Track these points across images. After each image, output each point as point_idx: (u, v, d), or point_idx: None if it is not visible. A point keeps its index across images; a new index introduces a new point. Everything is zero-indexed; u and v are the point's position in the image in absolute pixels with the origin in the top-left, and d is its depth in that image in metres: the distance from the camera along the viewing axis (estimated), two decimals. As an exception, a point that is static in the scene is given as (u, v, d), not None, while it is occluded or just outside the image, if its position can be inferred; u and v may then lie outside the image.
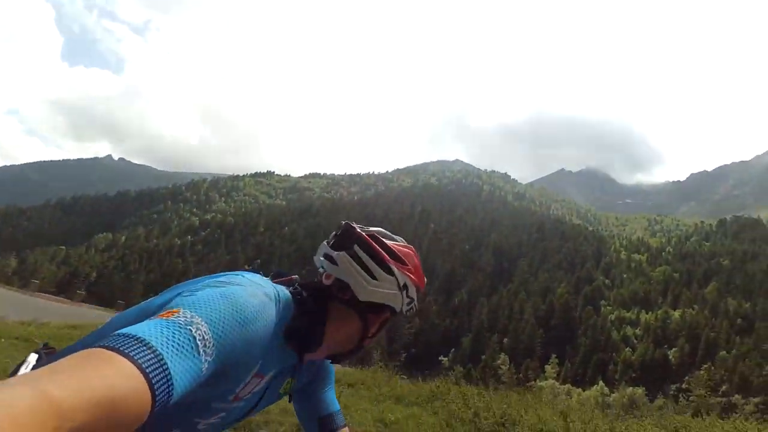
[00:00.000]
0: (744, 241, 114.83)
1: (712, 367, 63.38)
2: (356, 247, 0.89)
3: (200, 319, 0.64)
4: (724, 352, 68.68)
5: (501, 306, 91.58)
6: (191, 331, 0.62)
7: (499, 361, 68.93)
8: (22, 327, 8.42)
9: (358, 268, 0.87)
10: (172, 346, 0.58)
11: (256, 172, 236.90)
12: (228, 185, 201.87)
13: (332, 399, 1.08)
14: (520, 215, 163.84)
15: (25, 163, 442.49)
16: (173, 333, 0.59)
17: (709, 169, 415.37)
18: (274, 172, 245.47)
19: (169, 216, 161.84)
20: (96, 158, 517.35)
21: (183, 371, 0.58)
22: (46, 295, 22.76)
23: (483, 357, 73.46)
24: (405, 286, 0.89)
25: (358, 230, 0.93)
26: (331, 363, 1.00)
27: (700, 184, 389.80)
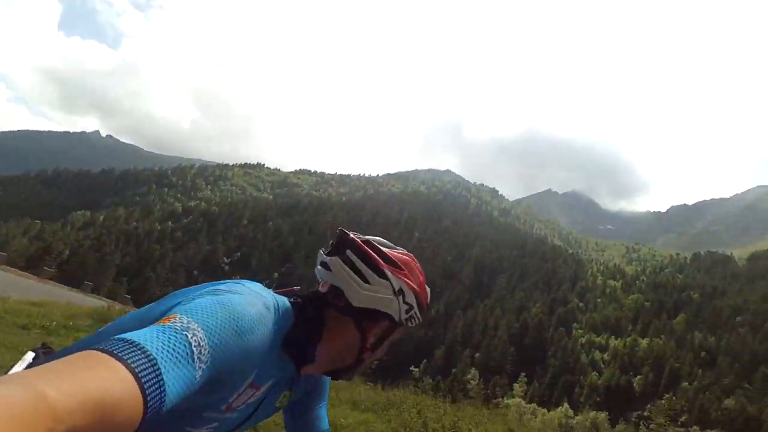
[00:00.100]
0: (715, 276, 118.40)
1: (674, 397, 64.88)
2: (349, 252, 0.88)
3: (197, 325, 0.64)
4: (687, 383, 70.71)
5: (476, 321, 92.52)
6: (187, 336, 0.62)
7: (469, 376, 69.57)
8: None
9: (350, 272, 0.86)
10: (167, 351, 0.58)
11: (245, 163, 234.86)
12: (216, 173, 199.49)
13: (323, 417, 1.07)
14: (504, 232, 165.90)
15: (7, 131, 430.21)
16: (168, 338, 0.60)
17: (690, 203, 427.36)
18: (264, 164, 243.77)
19: (152, 199, 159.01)
20: (83, 133, 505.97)
21: (176, 377, 0.58)
22: (13, 269, 22.30)
23: (453, 370, 74.06)
24: (401, 291, 0.87)
25: (352, 236, 0.93)
26: (330, 379, 0.97)
27: (680, 216, 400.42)
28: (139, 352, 0.55)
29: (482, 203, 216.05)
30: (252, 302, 0.75)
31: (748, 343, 79.20)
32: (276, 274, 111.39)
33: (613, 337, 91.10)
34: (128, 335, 0.57)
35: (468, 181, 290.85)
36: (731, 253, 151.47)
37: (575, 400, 71.37)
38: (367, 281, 0.86)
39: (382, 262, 0.88)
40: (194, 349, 0.61)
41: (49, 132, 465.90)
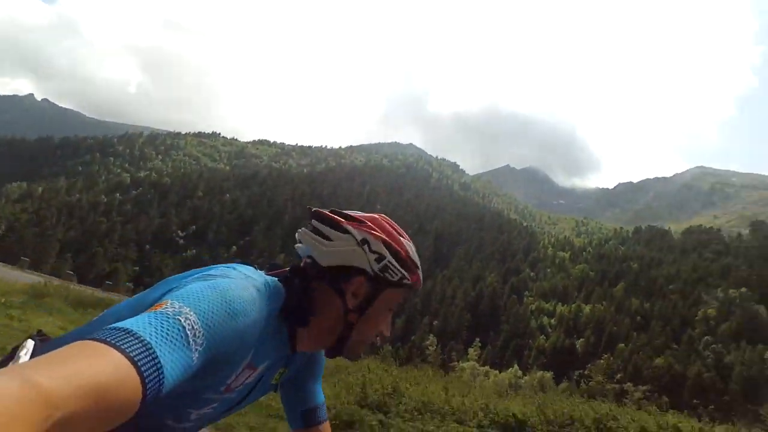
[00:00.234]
0: (653, 248, 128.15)
1: (611, 358, 71.24)
2: (313, 220, 0.90)
3: (189, 309, 0.64)
4: (623, 345, 77.29)
5: (435, 290, 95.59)
6: (180, 321, 0.62)
7: (427, 342, 72.68)
8: None
9: (314, 234, 0.88)
10: (162, 336, 0.58)
11: (199, 132, 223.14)
12: (167, 142, 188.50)
13: (318, 392, 1.09)
14: (464, 205, 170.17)
15: None
16: (161, 323, 0.60)
17: (635, 180, 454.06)
18: (219, 133, 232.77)
19: (96, 169, 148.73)
20: (15, 96, 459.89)
21: (173, 361, 0.58)
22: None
23: (413, 337, 76.69)
24: (365, 241, 0.86)
25: (317, 209, 0.93)
26: (326, 356, 0.97)
27: (625, 193, 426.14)
28: (133, 338, 0.56)
29: (444, 177, 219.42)
30: (243, 285, 0.75)
31: (678, 309, 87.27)
32: (234, 248, 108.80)
33: (560, 303, 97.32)
34: (120, 324, 0.58)
35: (430, 155, 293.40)
36: (669, 228, 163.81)
37: (525, 361, 76.44)
38: (328, 238, 0.87)
39: (343, 220, 0.89)
40: (188, 332, 0.62)
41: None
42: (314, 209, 0.92)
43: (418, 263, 0.92)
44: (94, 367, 0.50)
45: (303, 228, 0.91)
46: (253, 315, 0.74)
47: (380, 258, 0.87)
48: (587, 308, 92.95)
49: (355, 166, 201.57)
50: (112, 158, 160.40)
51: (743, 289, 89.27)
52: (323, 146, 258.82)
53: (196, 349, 0.62)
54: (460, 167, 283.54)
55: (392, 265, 0.87)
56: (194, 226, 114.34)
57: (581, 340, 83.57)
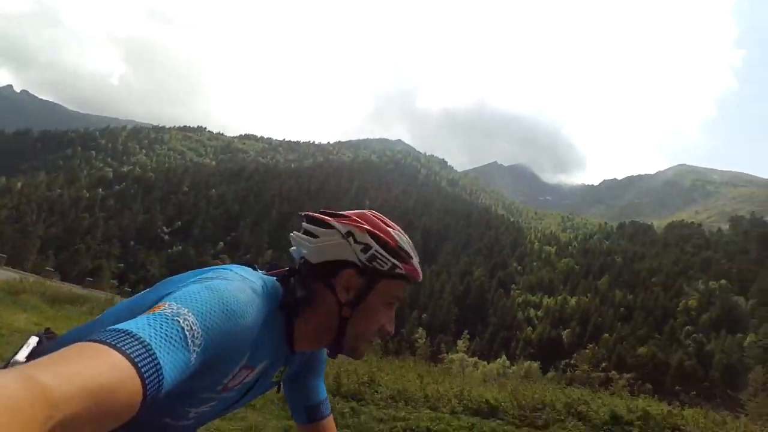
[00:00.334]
0: (637, 243, 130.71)
1: (596, 347, 72.76)
2: (303, 223, 0.91)
3: (187, 310, 0.65)
4: (607, 335, 78.88)
5: (423, 284, 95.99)
6: (179, 322, 0.63)
7: (416, 335, 73.21)
8: None
9: (303, 235, 0.89)
10: (161, 337, 0.59)
11: (184, 126, 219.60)
12: (151, 136, 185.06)
13: (321, 387, 1.10)
14: (452, 201, 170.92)
15: None
16: (160, 324, 0.61)
17: (619, 177, 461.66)
18: (205, 128, 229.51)
19: (78, 164, 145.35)
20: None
21: (172, 361, 0.59)
22: None
23: (402, 330, 77.11)
24: (350, 234, 0.86)
25: (307, 212, 0.94)
26: (328, 355, 0.96)
27: (610, 190, 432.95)
28: (133, 339, 0.56)
29: (432, 173, 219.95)
30: (240, 287, 0.76)
31: (660, 300, 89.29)
32: (221, 244, 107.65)
33: (546, 296, 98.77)
34: (120, 325, 0.59)
35: (418, 152, 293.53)
36: (652, 223, 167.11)
37: (512, 352, 77.52)
38: (315, 236, 0.88)
39: (328, 217, 0.89)
40: (187, 333, 0.62)
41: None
42: (305, 213, 0.93)
43: (412, 253, 0.91)
44: (96, 368, 0.50)
45: (295, 231, 0.92)
46: (251, 316, 0.75)
47: (366, 248, 0.86)
48: (573, 300, 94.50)
49: (343, 162, 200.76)
50: (94, 152, 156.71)
51: (723, 281, 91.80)
52: (311, 141, 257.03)
53: (195, 350, 0.63)
54: (449, 163, 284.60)
55: (380, 254, 0.87)
56: (179, 222, 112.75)
57: (567, 330, 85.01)
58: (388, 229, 0.90)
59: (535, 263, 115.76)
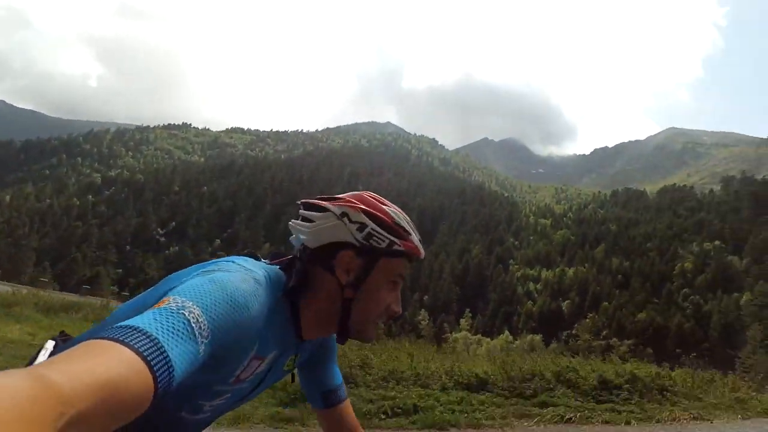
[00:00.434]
0: (630, 209, 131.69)
1: (596, 316, 73.83)
2: (300, 210, 0.92)
3: (192, 303, 0.65)
4: (606, 303, 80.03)
5: (422, 266, 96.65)
6: (184, 315, 0.63)
7: (419, 317, 74.06)
8: None
9: (300, 221, 0.90)
10: (168, 331, 0.59)
11: (169, 124, 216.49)
12: (136, 137, 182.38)
13: (335, 372, 1.10)
14: (445, 180, 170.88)
15: None
16: (167, 318, 0.61)
17: (610, 145, 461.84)
18: (190, 124, 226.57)
19: (64, 171, 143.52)
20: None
21: (181, 354, 0.59)
22: None
23: (405, 313, 77.88)
24: (344, 214, 0.86)
25: (304, 200, 0.94)
26: (337, 341, 0.95)
27: (601, 158, 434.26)
28: (141, 334, 0.57)
29: (423, 154, 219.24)
30: (243, 278, 0.76)
31: (656, 265, 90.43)
32: (218, 241, 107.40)
33: (544, 269, 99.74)
34: (126, 322, 0.59)
35: (408, 133, 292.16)
36: (644, 189, 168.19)
37: (515, 327, 78.69)
38: (310, 220, 0.88)
39: (323, 202, 0.90)
40: (193, 325, 0.63)
41: None
42: (302, 201, 0.93)
43: (410, 229, 0.90)
44: (106, 364, 0.51)
45: (293, 220, 0.92)
46: (255, 306, 0.75)
47: (362, 227, 0.86)
48: (570, 271, 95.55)
49: (333, 149, 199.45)
50: (80, 159, 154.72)
51: (717, 242, 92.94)
52: (299, 130, 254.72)
53: (202, 342, 0.63)
54: (439, 143, 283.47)
55: (376, 231, 0.86)
56: (173, 223, 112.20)
57: (567, 302, 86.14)
58: (383, 207, 0.90)
59: (531, 237, 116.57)
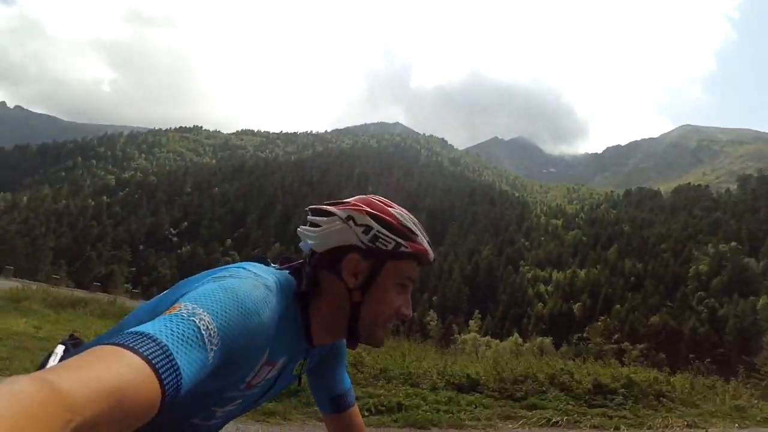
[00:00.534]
0: (644, 209, 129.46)
1: (608, 319, 72.32)
2: (307, 216, 0.92)
3: (202, 310, 0.66)
4: (619, 305, 78.72)
5: (432, 267, 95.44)
6: (195, 322, 0.63)
7: (428, 318, 73.77)
8: None
9: (307, 227, 0.90)
10: (177, 337, 0.60)
11: (181, 127, 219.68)
12: (149, 140, 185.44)
13: (344, 377, 1.10)
14: (455, 181, 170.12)
15: None
16: (177, 325, 0.61)
17: (623, 143, 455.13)
18: (202, 127, 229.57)
19: (80, 174, 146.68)
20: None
21: (190, 361, 0.59)
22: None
23: (414, 314, 77.57)
24: (349, 218, 0.86)
25: (312, 206, 0.94)
26: (347, 347, 0.95)
27: (614, 156, 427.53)
28: (150, 341, 0.57)
29: (432, 154, 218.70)
30: (254, 284, 0.77)
31: (670, 267, 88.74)
32: (229, 241, 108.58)
33: (555, 270, 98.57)
34: (136, 328, 0.60)
35: (417, 133, 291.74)
36: (658, 188, 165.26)
37: (524, 329, 77.88)
38: (318, 225, 0.88)
39: (329, 207, 0.90)
40: (203, 332, 0.63)
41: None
42: (309, 207, 0.94)
43: (417, 231, 0.90)
44: (113, 371, 0.51)
45: (301, 226, 0.93)
46: (266, 312, 0.75)
47: (368, 229, 0.86)
48: (582, 273, 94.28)
49: (342, 150, 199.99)
50: (94, 161, 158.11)
51: (733, 243, 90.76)
52: (308, 131, 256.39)
53: (212, 349, 0.63)
54: (449, 143, 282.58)
55: (382, 234, 0.86)
56: (186, 223, 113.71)
57: (578, 304, 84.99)
58: (389, 209, 0.90)
59: (542, 238, 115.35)
